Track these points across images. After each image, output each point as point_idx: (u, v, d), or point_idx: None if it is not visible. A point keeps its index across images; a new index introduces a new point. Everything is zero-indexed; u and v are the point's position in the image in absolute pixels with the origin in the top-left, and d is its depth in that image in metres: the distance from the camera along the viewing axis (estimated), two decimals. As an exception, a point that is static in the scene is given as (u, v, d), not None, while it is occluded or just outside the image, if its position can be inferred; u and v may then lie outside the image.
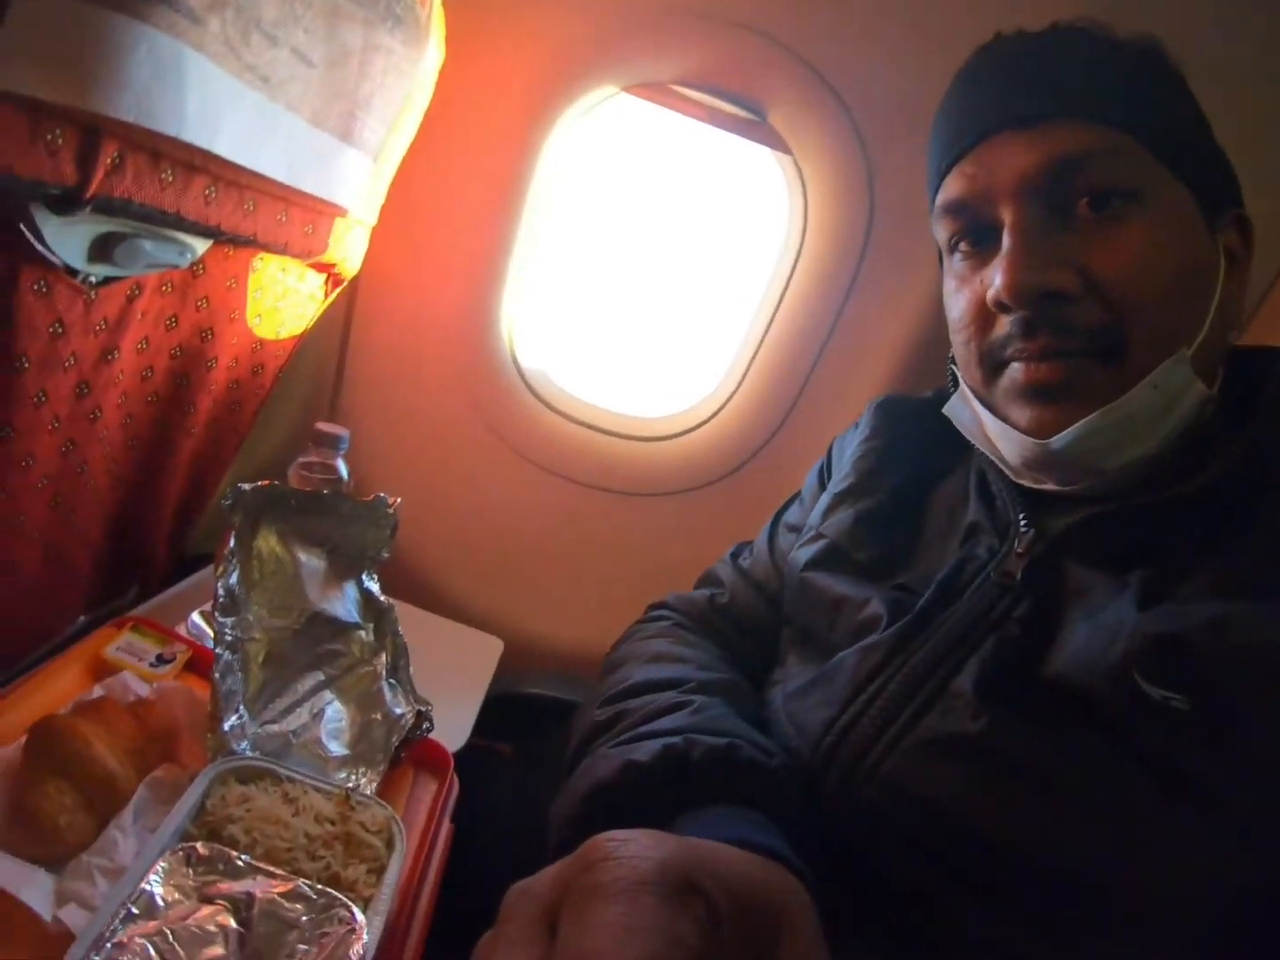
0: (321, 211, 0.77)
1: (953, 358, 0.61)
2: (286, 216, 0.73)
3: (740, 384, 1.11)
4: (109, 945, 0.43)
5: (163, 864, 0.48)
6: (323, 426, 0.78)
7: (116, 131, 0.52)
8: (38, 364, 0.61)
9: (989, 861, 0.43)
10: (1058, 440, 0.49)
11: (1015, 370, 0.51)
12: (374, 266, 0.92)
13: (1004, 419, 0.53)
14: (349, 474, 0.84)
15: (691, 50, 0.94)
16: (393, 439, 1.11)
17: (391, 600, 0.74)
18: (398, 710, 0.67)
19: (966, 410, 0.58)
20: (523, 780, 0.82)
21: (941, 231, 0.58)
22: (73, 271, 0.60)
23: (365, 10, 0.68)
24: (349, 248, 0.85)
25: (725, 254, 1.19)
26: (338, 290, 0.91)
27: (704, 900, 0.28)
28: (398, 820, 0.57)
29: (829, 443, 0.78)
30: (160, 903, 0.47)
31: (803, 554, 0.65)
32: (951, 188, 0.55)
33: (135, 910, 0.46)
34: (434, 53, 0.82)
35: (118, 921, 0.45)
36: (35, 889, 0.49)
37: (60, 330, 0.62)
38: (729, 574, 0.76)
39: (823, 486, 0.73)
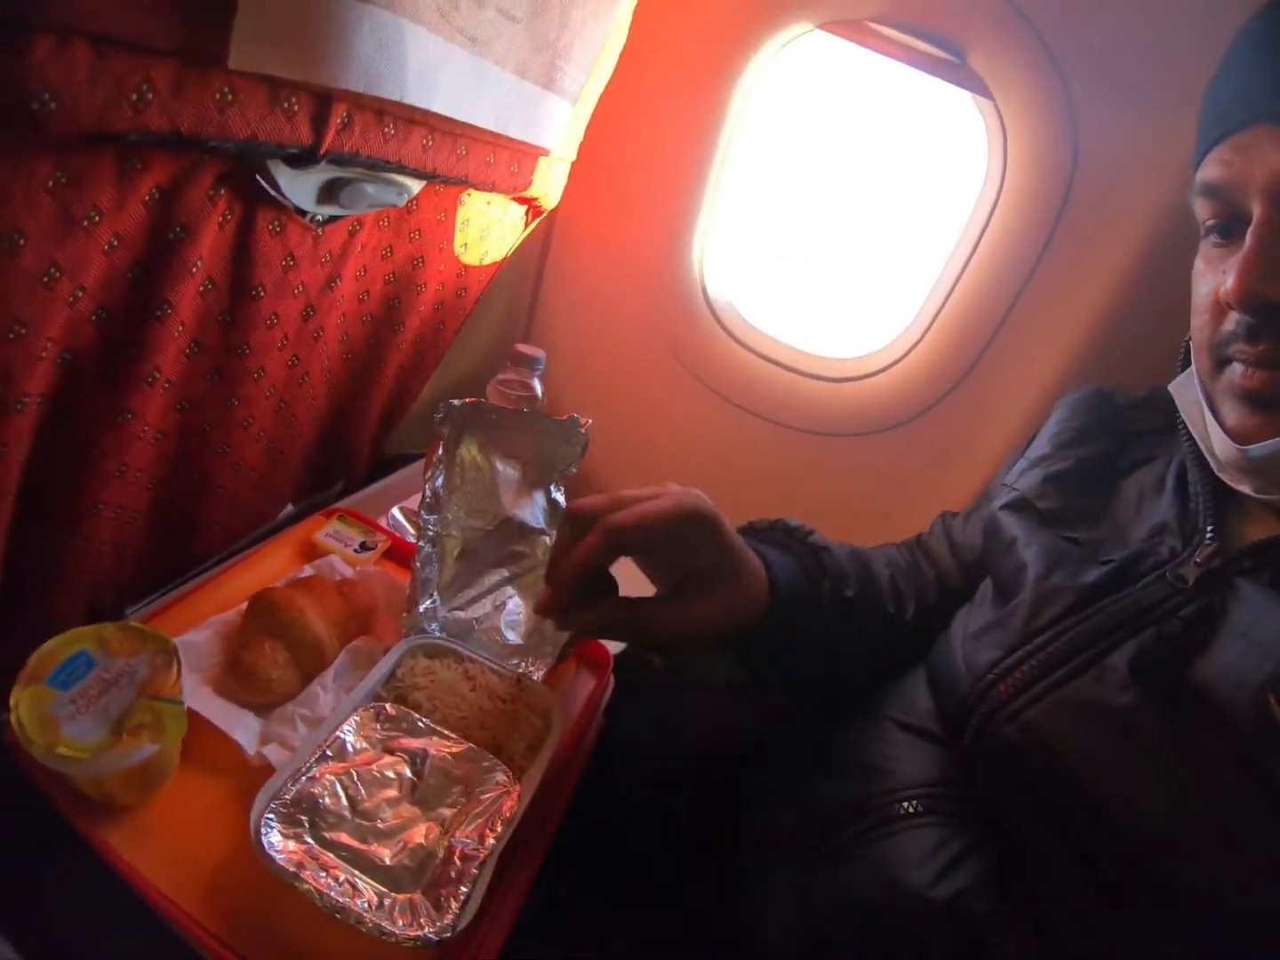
0: (526, 152, 0.78)
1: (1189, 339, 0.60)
2: (495, 158, 0.75)
3: (928, 330, 1.05)
4: (304, 778, 0.53)
5: (355, 718, 0.58)
6: (521, 348, 0.82)
7: (345, 96, 0.56)
8: (272, 292, 0.69)
9: (1092, 829, 0.46)
10: (1257, 449, 0.49)
11: (1234, 371, 0.51)
12: (570, 198, 0.93)
13: (1216, 414, 0.54)
14: (543, 393, 0.88)
15: None
16: (582, 363, 1.15)
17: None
18: None
19: (1192, 391, 0.58)
20: (669, 690, 0.88)
21: (1199, 209, 0.55)
22: (302, 212, 0.67)
23: (566, -43, 0.66)
24: (551, 183, 0.86)
25: (921, 197, 1.12)
26: (537, 220, 0.93)
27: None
28: (559, 705, 0.64)
29: (1012, 399, 0.80)
30: (350, 749, 0.57)
31: (998, 502, 0.68)
32: (1209, 169, 0.52)
33: (329, 753, 0.56)
34: None
35: (313, 760, 0.55)
36: (244, 729, 0.60)
37: (291, 263, 0.69)
38: (936, 524, 0.81)
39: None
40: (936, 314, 1.02)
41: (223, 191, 0.59)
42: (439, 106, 0.61)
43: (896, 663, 0.68)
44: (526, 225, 0.93)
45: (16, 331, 0.50)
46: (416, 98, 0.58)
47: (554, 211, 0.95)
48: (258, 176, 0.60)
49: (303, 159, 0.59)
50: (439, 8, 0.55)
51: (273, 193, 0.62)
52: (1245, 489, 0.53)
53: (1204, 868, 0.43)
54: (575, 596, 0.53)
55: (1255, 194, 0.48)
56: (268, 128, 0.53)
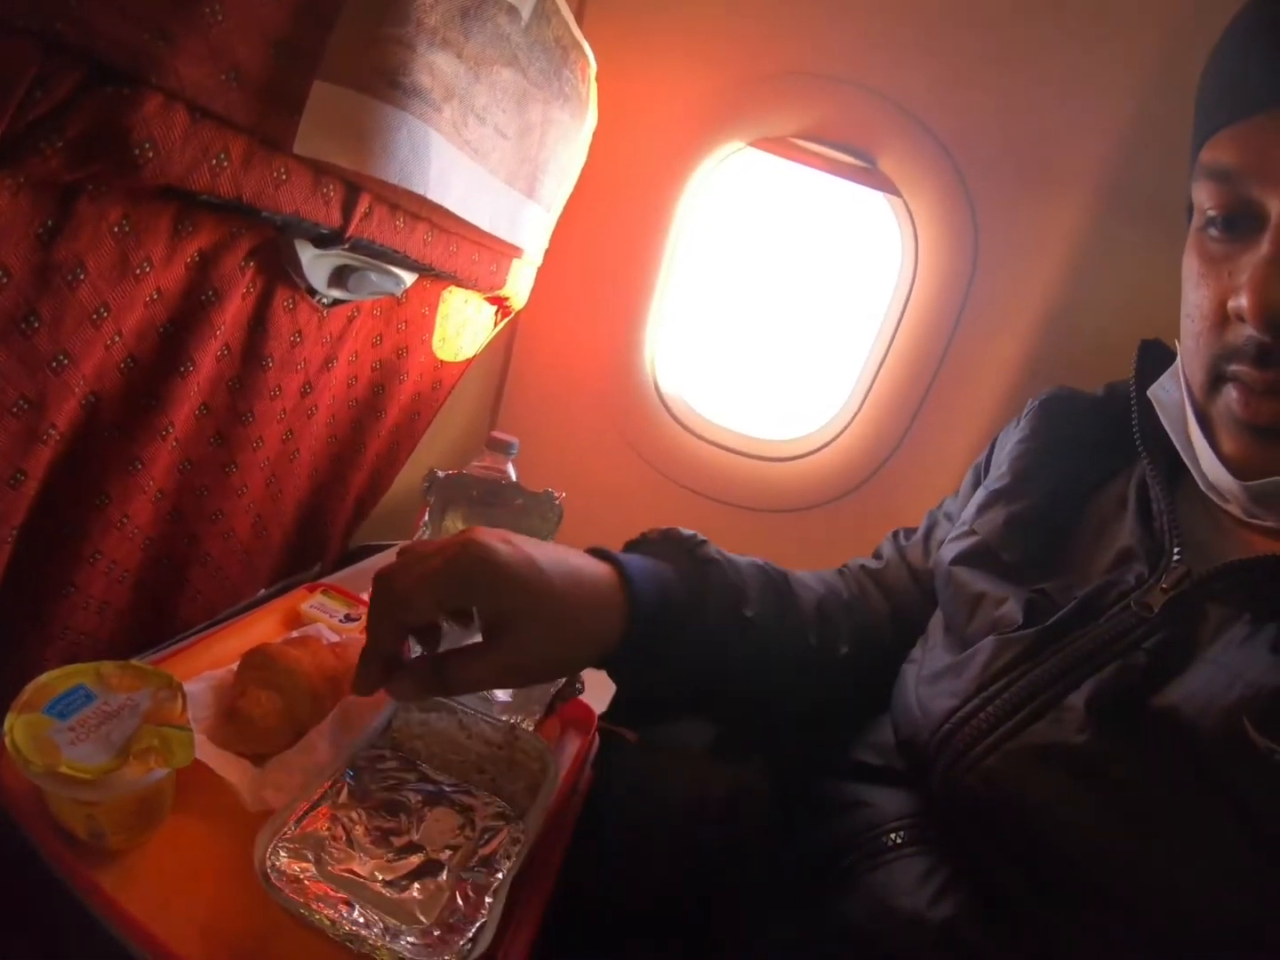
0: (504, 253, 0.90)
1: (1148, 342, 0.61)
2: (479, 257, 0.86)
3: (860, 408, 1.17)
4: (307, 816, 0.53)
5: (356, 762, 0.58)
6: (496, 434, 0.89)
7: (370, 188, 0.66)
8: (279, 364, 0.75)
9: (1064, 871, 0.45)
10: (1258, 485, 0.46)
11: (1233, 396, 0.47)
12: (534, 300, 1.05)
13: (1210, 436, 0.50)
14: (517, 477, 0.95)
15: (809, 107, 1.05)
16: (544, 455, 1.23)
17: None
18: None
19: (1176, 394, 0.55)
20: (650, 749, 0.86)
21: (1199, 194, 0.50)
22: (313, 292, 0.75)
23: (544, 92, 0.81)
24: (521, 284, 0.98)
25: (845, 288, 1.28)
26: (506, 320, 1.04)
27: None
28: (551, 751, 0.64)
29: (942, 463, 0.82)
30: (352, 790, 0.56)
31: (953, 548, 0.65)
32: (1222, 150, 0.47)
33: (332, 793, 0.55)
34: (591, 121, 0.95)
35: (316, 800, 0.54)
36: (241, 775, 0.58)
37: (299, 339, 0.76)
38: (888, 548, 0.79)
39: (978, 479, 0.74)
40: (867, 392, 1.15)
41: (252, 264, 0.66)
42: (450, 203, 0.71)
43: (848, 699, 0.67)
44: (496, 324, 1.04)
45: (60, 361, 0.54)
46: (435, 194, 0.68)
47: (518, 315, 1.07)
48: (283, 254, 0.68)
49: (330, 240, 0.67)
50: (453, 122, 0.68)
51: (292, 274, 0.71)
52: (1233, 509, 0.51)
53: (1179, 898, 0.41)
54: (380, 675, 0.50)
55: (1278, 187, 0.43)
56: (309, 208, 0.62)
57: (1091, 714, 0.47)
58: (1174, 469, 0.58)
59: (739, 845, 0.66)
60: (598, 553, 0.57)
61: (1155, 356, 0.61)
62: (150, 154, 0.48)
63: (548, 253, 1.01)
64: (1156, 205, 0.92)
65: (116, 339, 0.59)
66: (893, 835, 0.54)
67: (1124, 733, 0.46)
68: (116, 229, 0.53)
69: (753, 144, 1.09)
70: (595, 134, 0.97)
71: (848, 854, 0.55)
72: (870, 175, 1.08)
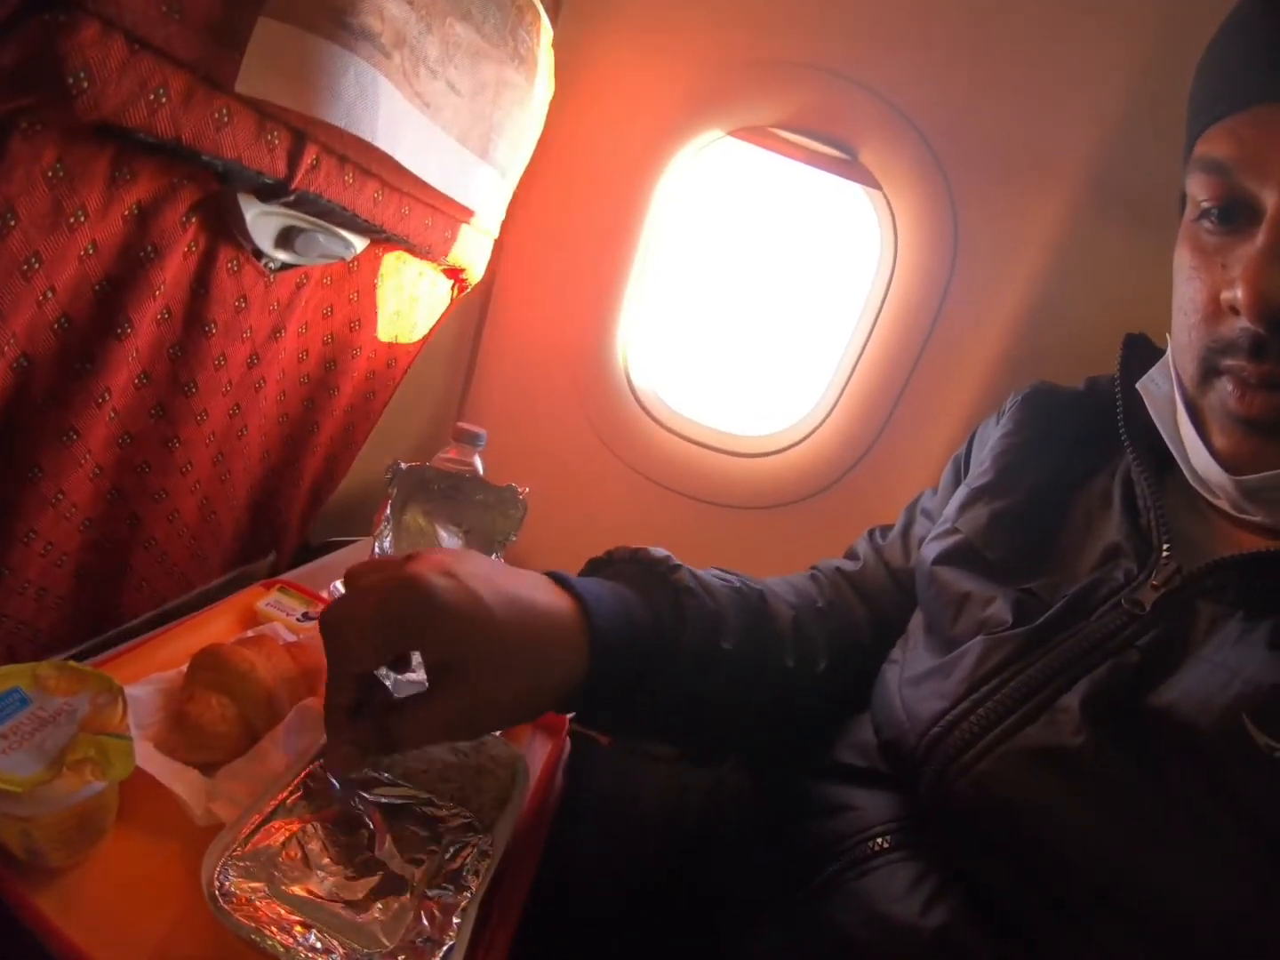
0: (459, 219, 0.88)
1: (1132, 337, 0.60)
2: (432, 221, 0.84)
3: (836, 404, 1.17)
4: (259, 831, 0.49)
5: (313, 771, 0.54)
6: (463, 425, 0.87)
7: (317, 138, 0.63)
8: (222, 330, 0.72)
9: (1063, 876, 0.44)
10: (1252, 480, 0.46)
11: (1227, 390, 0.47)
12: (505, 288, 1.02)
13: (1201, 430, 0.49)
14: (484, 470, 0.92)
15: (789, 97, 1.04)
16: (512, 446, 1.20)
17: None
18: None
19: (1166, 388, 0.54)
20: (624, 753, 0.84)
21: (1193, 186, 0.50)
22: (259, 255, 0.71)
23: (499, 51, 0.79)
24: (476, 254, 0.96)
25: (823, 282, 1.26)
26: (463, 295, 1.01)
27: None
28: (523, 759, 0.62)
29: (918, 460, 0.80)
30: (309, 802, 0.52)
31: (935, 547, 0.64)
32: (1217, 143, 0.47)
33: (287, 805, 0.51)
34: (546, 86, 0.93)
35: (269, 813, 0.50)
36: (189, 786, 0.54)
37: (243, 304, 0.73)
38: (865, 548, 0.77)
39: (958, 475, 0.73)
40: (843, 387, 1.15)
41: (194, 219, 0.63)
42: (401, 155, 0.69)
43: (828, 709, 0.65)
44: (453, 300, 1.01)
45: (-14, 316, 0.51)
46: (384, 142, 0.66)
47: (489, 297, 1.04)
48: (227, 210, 0.65)
49: (275, 191, 0.64)
50: (404, 71, 0.65)
51: (236, 233, 0.67)
52: (1222, 504, 0.51)
53: (1181, 900, 0.40)
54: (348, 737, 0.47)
55: (1273, 180, 0.43)
56: (252, 154, 0.59)
57: (1087, 715, 0.46)
58: (1159, 464, 0.57)
59: (719, 849, 0.64)
60: (559, 579, 0.51)
61: (1140, 351, 0.61)
62: (85, 84, 0.45)
63: (516, 238, 0.98)
64: (1138, 201, 0.93)
65: (49, 295, 0.55)
66: (878, 840, 0.52)
67: (1120, 734, 0.45)
68: (50, 173, 0.50)
69: (732, 133, 1.07)
70: (572, 120, 0.95)
71: (833, 860, 0.53)
72: (850, 167, 1.07)
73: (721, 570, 0.64)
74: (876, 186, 1.07)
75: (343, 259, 0.79)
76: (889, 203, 1.07)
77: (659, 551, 0.58)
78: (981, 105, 0.97)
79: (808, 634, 0.65)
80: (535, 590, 0.49)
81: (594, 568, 0.60)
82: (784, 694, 0.62)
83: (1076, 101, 0.93)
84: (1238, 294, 0.43)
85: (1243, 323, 0.44)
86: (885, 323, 1.10)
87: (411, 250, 0.86)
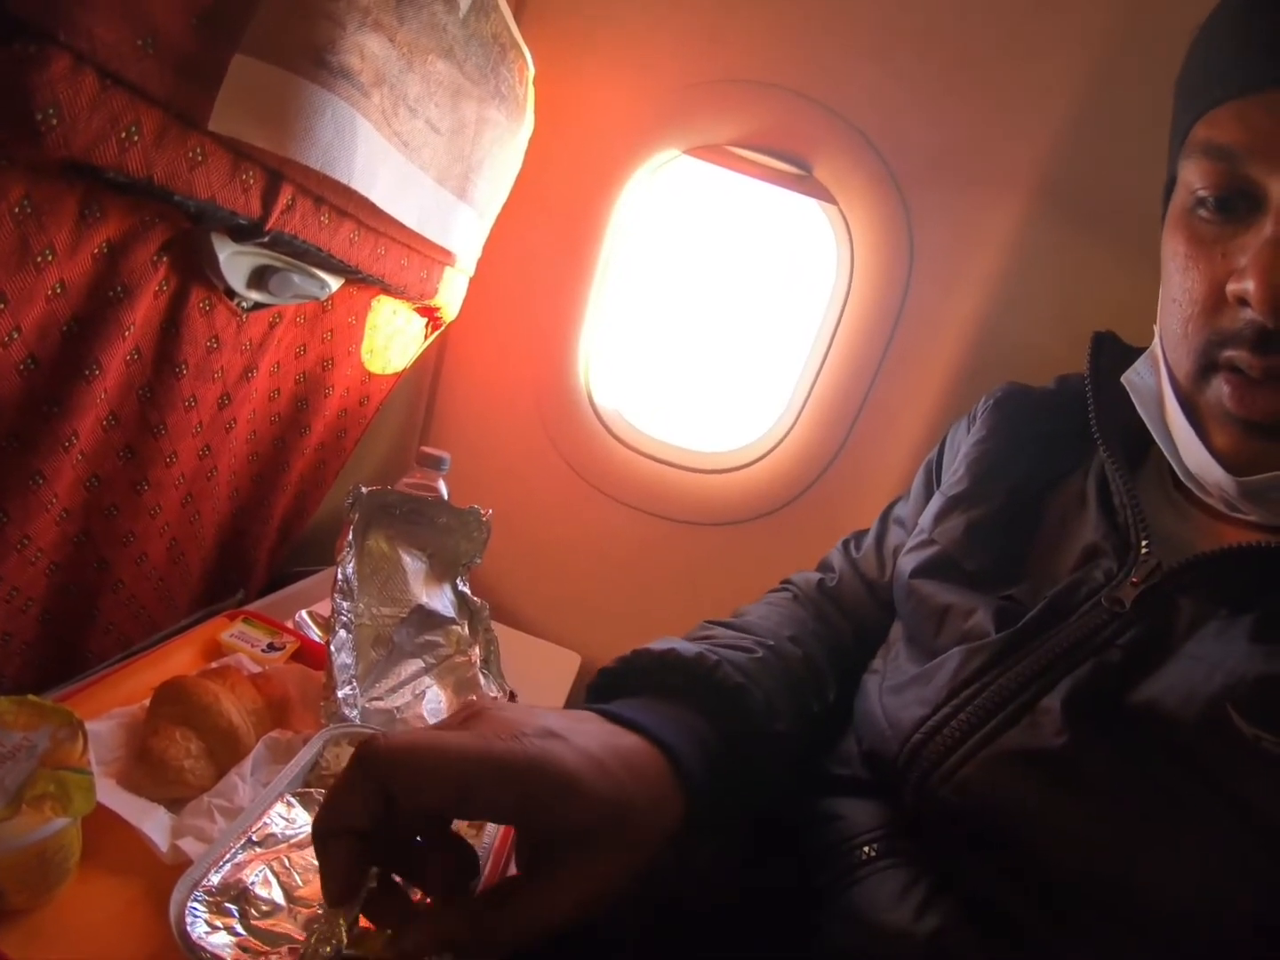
0: (435, 259, 0.88)
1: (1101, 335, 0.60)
2: (408, 262, 0.84)
3: (799, 417, 1.18)
4: (229, 865, 0.47)
5: (281, 805, 0.53)
6: (426, 449, 0.86)
7: (293, 178, 0.63)
8: (194, 372, 0.70)
9: (1053, 877, 0.44)
10: (1253, 481, 0.44)
11: (1224, 389, 0.45)
12: (465, 311, 1.02)
13: (1199, 428, 0.48)
14: (448, 494, 0.91)
15: (745, 115, 1.06)
16: (476, 469, 1.20)
17: (484, 601, 0.80)
18: (491, 694, 0.72)
19: (1152, 381, 0.52)
20: None
21: (1189, 172, 0.47)
22: (231, 295, 0.70)
23: (480, 89, 0.80)
24: (452, 294, 0.96)
25: (782, 296, 1.28)
26: (437, 333, 1.01)
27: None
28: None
29: (883, 470, 0.80)
30: (279, 835, 0.51)
31: (912, 559, 0.63)
32: (1221, 127, 0.44)
33: (255, 839, 0.50)
34: (528, 124, 0.95)
35: (238, 846, 0.49)
36: (155, 823, 0.54)
37: (215, 345, 0.72)
38: (840, 561, 0.76)
39: (930, 481, 0.73)
40: (805, 400, 1.16)
41: (165, 259, 0.62)
42: (376, 196, 0.69)
43: (826, 731, 0.64)
44: (426, 336, 1.01)
45: (-51, 359, 0.49)
46: (360, 184, 0.66)
47: (449, 327, 1.04)
48: (199, 249, 0.64)
49: (249, 232, 0.64)
50: (382, 110, 0.66)
51: (209, 272, 0.66)
52: (1213, 502, 0.50)
53: (1175, 896, 0.40)
54: (349, 863, 0.34)
55: (1278, 166, 0.41)
56: (226, 195, 0.59)
57: (1068, 715, 0.45)
58: (1132, 460, 0.56)
59: (703, 864, 0.62)
60: (613, 716, 0.44)
61: (1109, 349, 0.61)
62: (54, 121, 0.45)
63: (479, 261, 0.98)
64: (1088, 206, 0.96)
65: (15, 335, 0.53)
66: (865, 849, 0.51)
67: (1103, 732, 0.44)
68: (17, 209, 0.49)
69: (689, 151, 1.09)
70: (531, 137, 0.96)
71: (822, 871, 0.52)
72: (806, 183, 1.09)
73: (722, 628, 0.63)
74: (832, 201, 1.09)
75: (317, 299, 0.78)
76: (844, 216, 1.09)
77: (688, 649, 0.52)
78: (934, 118, 1.00)
79: (817, 668, 0.63)
80: (615, 736, 0.41)
81: (624, 671, 0.53)
82: (809, 735, 0.61)
83: (1028, 111, 0.96)
84: (1247, 286, 0.41)
85: (1248, 314, 0.42)
86: (844, 335, 1.12)
87: (387, 290, 0.86)
